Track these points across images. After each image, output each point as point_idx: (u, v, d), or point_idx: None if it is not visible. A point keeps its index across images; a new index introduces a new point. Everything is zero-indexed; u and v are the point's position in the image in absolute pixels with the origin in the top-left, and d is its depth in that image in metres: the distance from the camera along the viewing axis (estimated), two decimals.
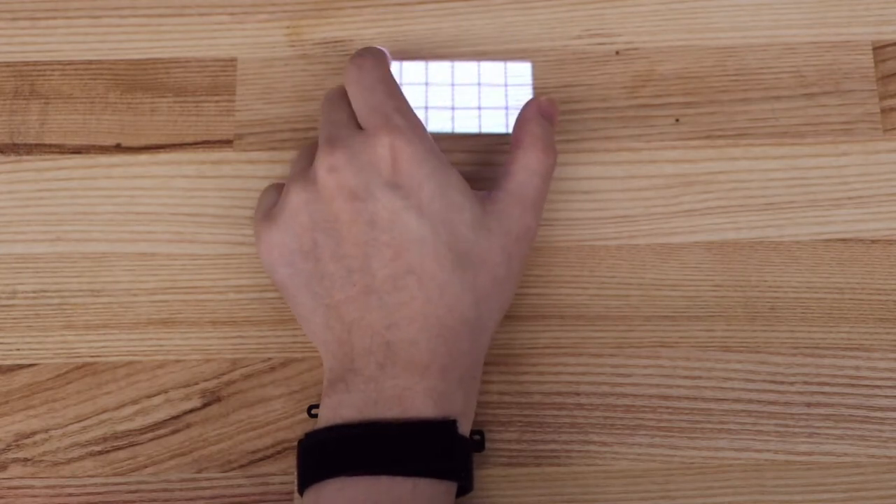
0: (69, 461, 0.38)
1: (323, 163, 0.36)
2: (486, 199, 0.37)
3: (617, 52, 0.44)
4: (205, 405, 0.39)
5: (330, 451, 0.34)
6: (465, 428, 0.35)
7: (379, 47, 0.39)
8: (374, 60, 0.38)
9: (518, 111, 0.41)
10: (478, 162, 0.42)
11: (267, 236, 0.37)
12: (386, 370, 0.34)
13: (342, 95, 0.39)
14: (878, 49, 0.43)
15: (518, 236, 0.37)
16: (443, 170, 0.36)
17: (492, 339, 0.37)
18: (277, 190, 0.39)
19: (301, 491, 0.35)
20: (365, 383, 0.34)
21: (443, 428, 0.34)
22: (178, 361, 0.40)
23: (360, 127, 0.37)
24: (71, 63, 0.44)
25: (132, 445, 0.39)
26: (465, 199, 0.36)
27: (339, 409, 0.34)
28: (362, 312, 0.35)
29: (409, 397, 0.34)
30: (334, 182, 0.35)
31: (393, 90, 0.37)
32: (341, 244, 0.35)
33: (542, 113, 0.39)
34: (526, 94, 0.43)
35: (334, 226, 0.35)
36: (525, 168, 0.38)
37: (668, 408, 0.39)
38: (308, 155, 0.39)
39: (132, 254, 0.41)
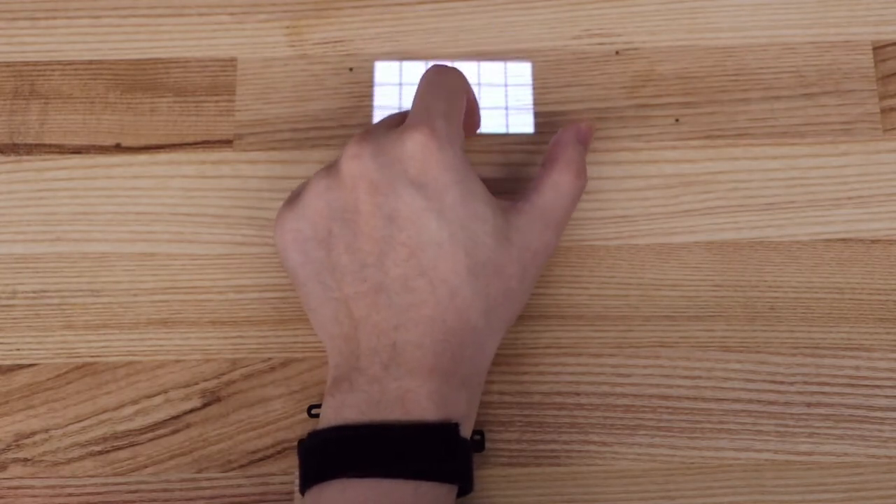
0: (69, 461, 0.38)
1: (348, 151, 0.35)
2: (511, 210, 0.37)
3: (617, 52, 0.44)
4: (205, 405, 0.39)
5: (331, 451, 0.34)
6: (466, 430, 0.35)
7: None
8: (457, 74, 0.38)
9: (518, 111, 0.41)
10: (478, 162, 0.42)
11: (282, 220, 0.37)
12: (390, 371, 0.34)
13: (399, 114, 0.39)
14: (878, 49, 0.43)
15: (536, 251, 0.37)
16: (469, 179, 0.36)
17: (498, 345, 0.37)
18: None
19: (302, 491, 0.34)
20: (369, 384, 0.34)
21: (445, 431, 0.34)
22: (178, 361, 0.40)
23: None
24: (71, 63, 0.44)
25: (132, 445, 0.39)
26: (488, 210, 0.36)
27: (341, 409, 0.34)
28: (370, 311, 0.35)
29: (412, 399, 0.34)
30: (357, 171, 0.35)
31: (452, 98, 0.37)
32: (357, 237, 0.35)
33: (579, 138, 0.39)
34: (526, 94, 0.43)
35: (352, 217, 0.35)
36: (555, 187, 0.37)
37: (668, 408, 0.39)
38: None
39: (132, 254, 0.41)
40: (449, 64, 0.43)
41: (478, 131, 0.42)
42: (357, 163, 0.35)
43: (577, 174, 0.38)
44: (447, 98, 0.37)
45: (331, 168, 0.36)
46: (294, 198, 0.37)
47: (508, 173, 0.42)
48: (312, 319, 0.37)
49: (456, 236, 0.35)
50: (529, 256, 0.36)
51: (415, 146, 0.35)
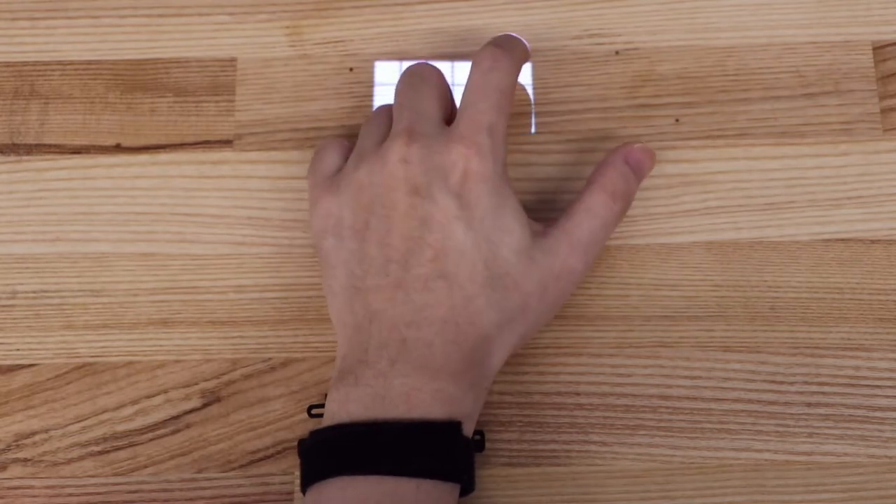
0: (69, 461, 0.38)
1: (398, 151, 0.36)
2: (539, 232, 0.37)
3: (617, 52, 0.44)
4: (205, 405, 0.39)
5: (333, 449, 0.34)
6: (468, 430, 0.35)
7: (525, 44, 0.39)
8: (510, 65, 0.38)
9: (518, 111, 0.41)
10: None
11: (326, 204, 0.37)
12: (397, 367, 0.34)
13: (427, 83, 0.39)
14: (878, 49, 0.43)
15: (559, 275, 0.36)
16: (503, 193, 0.36)
17: (510, 354, 0.37)
18: (339, 151, 0.39)
19: (304, 489, 0.35)
20: (374, 378, 0.34)
21: (448, 429, 0.34)
22: (178, 361, 0.40)
23: (443, 122, 0.37)
24: (71, 63, 0.44)
25: (132, 445, 0.39)
26: (515, 225, 0.36)
27: (346, 403, 0.34)
28: (387, 305, 0.35)
29: (417, 397, 0.34)
30: (402, 173, 0.36)
31: (503, 105, 0.37)
32: (390, 233, 0.36)
33: (628, 159, 0.38)
34: (526, 94, 0.43)
35: (389, 213, 0.36)
36: (586, 209, 0.37)
37: (668, 408, 0.39)
38: (383, 122, 0.39)
39: (132, 254, 0.41)
40: (447, 63, 0.43)
41: None
42: (404, 167, 0.36)
43: (613, 196, 0.37)
44: (497, 104, 0.37)
45: (377, 161, 0.36)
46: (334, 184, 0.37)
47: (508, 173, 0.42)
48: (330, 304, 0.37)
49: (479, 246, 0.35)
50: (551, 278, 0.36)
51: (458, 158, 0.36)
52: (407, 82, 0.39)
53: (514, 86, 0.38)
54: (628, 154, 0.39)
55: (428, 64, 0.40)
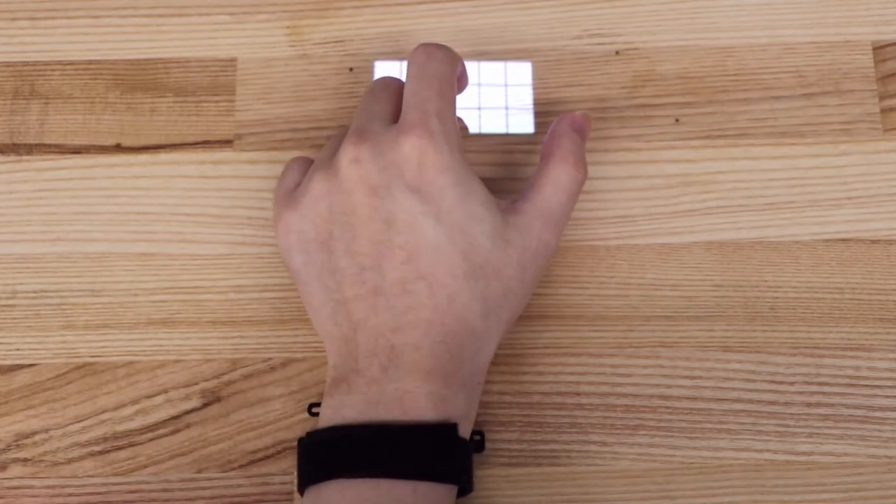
0: (69, 461, 0.38)
1: (347, 153, 0.35)
2: (509, 211, 0.37)
3: (617, 52, 0.44)
4: (205, 405, 0.39)
5: (330, 451, 0.34)
6: (465, 430, 0.35)
7: (455, 51, 0.38)
8: (445, 55, 0.37)
9: (518, 111, 0.41)
10: (478, 162, 0.42)
11: (286, 220, 0.37)
12: (389, 373, 0.34)
13: (385, 88, 0.38)
14: (878, 49, 0.43)
15: (536, 251, 0.36)
16: (467, 180, 0.36)
17: (498, 346, 0.37)
18: (301, 167, 0.39)
19: (301, 491, 0.35)
20: (367, 385, 0.34)
21: (443, 431, 0.34)
22: (178, 361, 0.40)
23: (394, 122, 0.37)
24: (71, 63, 0.44)
25: (132, 445, 0.39)
26: (485, 211, 0.36)
27: (340, 410, 0.34)
28: (369, 313, 0.35)
29: (411, 400, 0.34)
30: (356, 174, 0.35)
31: (445, 91, 0.37)
32: (356, 239, 0.35)
33: (574, 127, 0.38)
34: (526, 94, 0.43)
35: (351, 219, 0.35)
36: (553, 182, 0.37)
37: (668, 408, 0.39)
38: (341, 136, 0.39)
39: (132, 254, 0.41)
40: None
41: (473, 131, 0.42)
42: (356, 167, 0.35)
43: (575, 165, 0.37)
44: (439, 90, 0.36)
45: (329, 169, 0.36)
46: (290, 194, 0.37)
47: (508, 173, 0.42)
48: (313, 319, 0.37)
49: (453, 239, 0.35)
50: (529, 256, 0.36)
51: (411, 150, 0.35)
52: (367, 91, 0.39)
53: (453, 76, 0.38)
54: (573, 121, 0.39)
55: (392, 77, 0.39)
